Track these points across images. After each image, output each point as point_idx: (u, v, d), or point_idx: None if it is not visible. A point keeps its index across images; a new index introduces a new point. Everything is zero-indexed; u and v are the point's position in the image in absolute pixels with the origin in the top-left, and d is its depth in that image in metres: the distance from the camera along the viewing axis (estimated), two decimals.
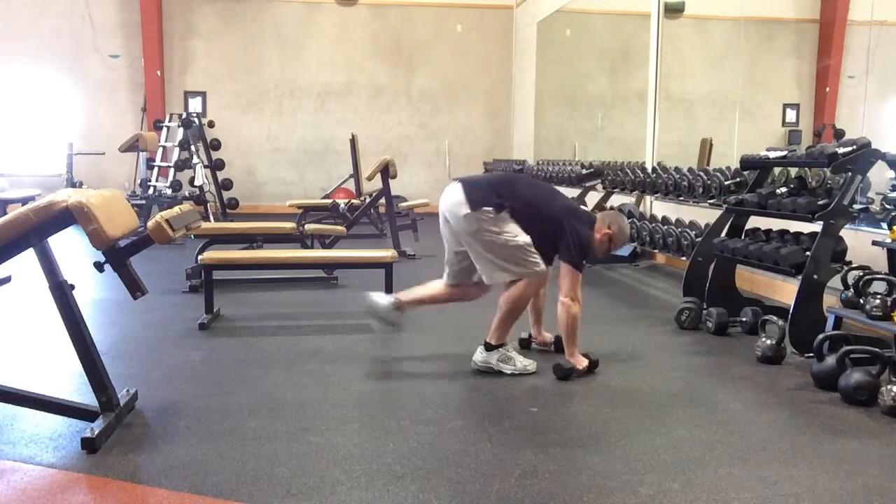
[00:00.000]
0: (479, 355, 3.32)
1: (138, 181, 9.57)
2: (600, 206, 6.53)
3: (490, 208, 3.20)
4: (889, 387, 2.85)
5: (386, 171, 7.05)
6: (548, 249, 3.34)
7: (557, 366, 3.26)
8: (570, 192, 7.39)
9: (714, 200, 4.76)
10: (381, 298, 3.49)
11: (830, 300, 3.61)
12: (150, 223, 2.54)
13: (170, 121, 9.51)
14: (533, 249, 3.24)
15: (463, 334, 3.80)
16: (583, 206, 3.54)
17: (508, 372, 3.27)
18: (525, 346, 3.72)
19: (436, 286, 3.57)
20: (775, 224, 4.07)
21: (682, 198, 5.24)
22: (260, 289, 5.27)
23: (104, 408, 2.56)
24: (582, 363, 3.28)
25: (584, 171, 6.85)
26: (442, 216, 3.37)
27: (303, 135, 11.35)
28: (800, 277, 3.54)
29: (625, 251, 6.66)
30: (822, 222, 3.52)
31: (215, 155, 9.70)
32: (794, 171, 4.05)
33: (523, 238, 3.23)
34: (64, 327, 2.55)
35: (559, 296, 3.25)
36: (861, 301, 3.25)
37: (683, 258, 4.88)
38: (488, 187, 3.30)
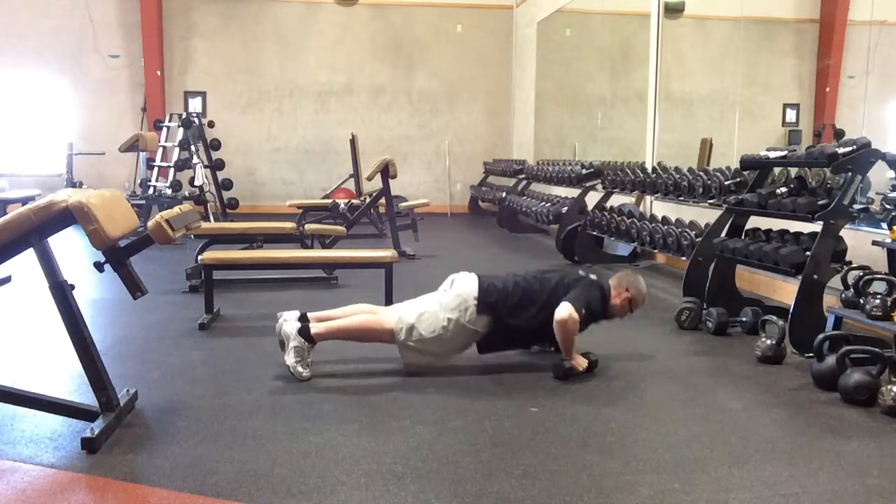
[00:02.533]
0: (296, 337, 3.20)
1: (138, 181, 9.58)
2: (600, 206, 6.53)
3: (485, 319, 3.26)
4: (889, 387, 2.85)
5: (386, 171, 7.05)
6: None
7: (557, 366, 3.26)
8: (570, 192, 7.42)
9: (714, 200, 4.76)
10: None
11: (830, 300, 3.61)
12: (150, 223, 2.54)
13: (170, 121, 9.50)
14: (431, 345, 3.25)
15: None
16: (591, 276, 3.54)
17: (288, 361, 3.19)
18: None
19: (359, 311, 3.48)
20: (775, 224, 4.07)
21: (682, 198, 5.24)
22: (260, 289, 5.27)
23: (104, 408, 2.56)
24: (581, 363, 3.28)
25: (584, 171, 6.85)
26: (451, 283, 3.41)
27: (303, 135, 11.35)
28: (800, 277, 3.54)
29: (625, 251, 6.66)
30: (822, 222, 3.52)
31: (215, 155, 9.69)
32: (794, 171, 4.05)
33: (443, 359, 3.30)
34: (64, 327, 2.55)
35: (557, 314, 3.23)
36: (861, 301, 3.25)
37: (683, 258, 4.88)
38: (499, 299, 3.29)
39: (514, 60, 11.50)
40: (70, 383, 3.10)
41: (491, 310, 3.28)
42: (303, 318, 3.32)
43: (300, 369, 3.19)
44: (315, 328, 3.26)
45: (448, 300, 3.30)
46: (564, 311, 3.21)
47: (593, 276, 3.52)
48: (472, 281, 3.35)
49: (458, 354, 3.37)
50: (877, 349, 3.06)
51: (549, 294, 3.33)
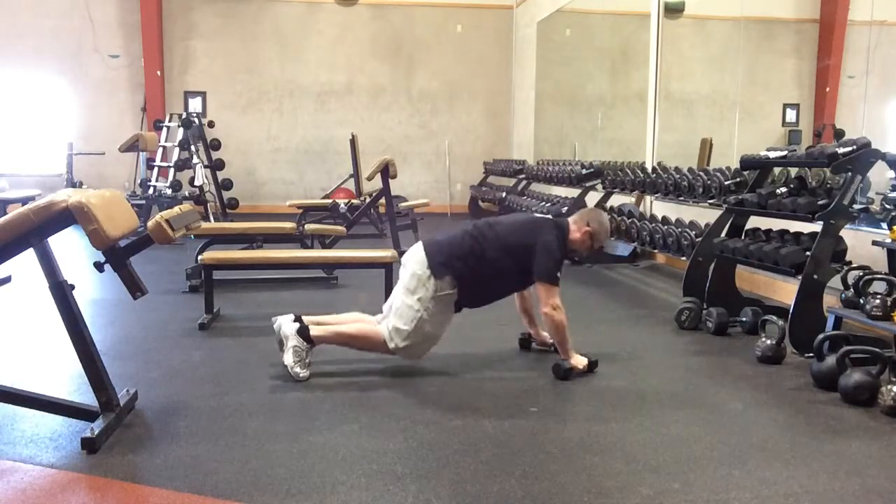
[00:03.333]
0: (294, 337, 3.20)
1: (138, 181, 9.58)
2: (600, 206, 6.53)
3: (448, 280, 3.18)
4: (889, 387, 2.85)
5: (386, 171, 7.05)
6: (525, 282, 3.35)
7: (557, 366, 3.26)
8: (570, 192, 7.42)
9: (714, 200, 4.76)
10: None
11: (830, 300, 3.61)
12: (150, 223, 2.54)
13: (170, 121, 9.50)
14: (430, 342, 3.23)
15: (463, 334, 3.80)
16: (557, 213, 3.46)
17: (286, 361, 3.18)
18: (525, 346, 3.72)
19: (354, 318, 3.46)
20: (775, 224, 4.07)
21: (682, 198, 5.24)
22: (260, 289, 5.27)
23: (104, 408, 2.56)
24: (581, 363, 3.28)
25: (584, 171, 6.85)
26: (403, 268, 3.34)
27: (303, 135, 11.35)
28: (800, 277, 3.54)
29: (625, 251, 6.66)
30: (822, 222, 3.52)
31: (215, 155, 9.69)
32: (794, 171, 4.05)
33: (436, 332, 3.23)
34: (64, 327, 2.55)
35: (540, 307, 3.25)
36: (861, 301, 3.25)
37: (683, 258, 4.88)
38: (450, 254, 3.23)
39: (514, 60, 11.50)
40: (70, 383, 3.10)
41: (446, 269, 3.18)
42: (298, 320, 3.31)
43: (298, 370, 3.19)
44: (314, 330, 3.25)
45: (406, 282, 3.24)
46: (545, 305, 3.20)
47: (548, 217, 3.47)
48: (417, 250, 3.27)
49: (450, 323, 3.30)
50: (877, 349, 3.06)
51: (507, 237, 3.27)
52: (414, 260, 3.26)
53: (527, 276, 3.31)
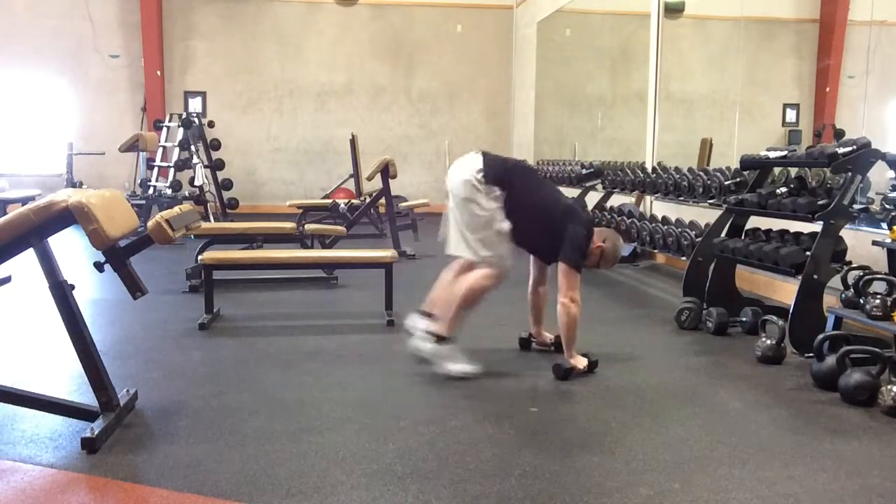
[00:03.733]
0: (429, 346, 3.25)
1: (138, 181, 9.58)
2: (600, 206, 6.53)
3: (497, 188, 3.21)
4: (889, 387, 2.85)
5: (386, 171, 7.05)
6: (546, 248, 3.35)
7: (557, 366, 3.26)
8: (570, 192, 7.42)
9: (714, 200, 4.76)
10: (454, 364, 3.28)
11: (830, 300, 3.61)
12: (150, 223, 2.54)
13: (170, 121, 9.50)
14: (507, 246, 3.26)
15: (463, 334, 3.80)
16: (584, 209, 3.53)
17: (448, 369, 3.21)
18: (525, 346, 3.72)
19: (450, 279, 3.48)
20: (775, 224, 4.07)
21: (682, 198, 5.24)
22: (260, 289, 5.27)
23: (104, 408, 2.56)
24: (581, 363, 3.28)
25: (584, 171, 6.85)
26: (451, 182, 3.33)
27: (303, 135, 11.35)
28: (800, 277, 3.54)
29: (625, 251, 6.66)
30: (822, 222, 3.52)
31: (215, 155, 9.69)
32: (794, 171, 4.05)
33: (506, 226, 3.24)
34: (64, 327, 2.55)
35: (558, 296, 3.26)
36: (861, 301, 3.25)
37: (683, 258, 4.88)
38: (503, 170, 3.29)
39: (514, 60, 11.50)
40: (70, 383, 3.10)
41: (494, 176, 3.21)
42: (425, 314, 3.38)
43: (460, 368, 3.21)
44: (439, 327, 3.26)
45: (462, 203, 3.24)
46: (564, 295, 3.21)
47: (581, 212, 3.51)
48: (474, 161, 3.29)
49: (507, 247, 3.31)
50: (877, 349, 3.06)
51: (547, 197, 3.34)
52: (468, 166, 3.28)
53: (547, 243, 3.32)
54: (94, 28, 10.66)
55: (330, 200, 7.92)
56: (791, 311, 3.54)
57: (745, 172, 4.49)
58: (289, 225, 5.44)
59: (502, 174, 3.26)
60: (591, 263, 3.42)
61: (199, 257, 4.42)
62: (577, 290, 3.25)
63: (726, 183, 4.62)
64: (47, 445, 2.46)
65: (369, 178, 7.28)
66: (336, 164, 11.07)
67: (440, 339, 3.25)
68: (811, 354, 3.25)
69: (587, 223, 3.37)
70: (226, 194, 9.71)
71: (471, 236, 3.25)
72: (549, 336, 3.65)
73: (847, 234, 3.69)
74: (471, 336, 3.75)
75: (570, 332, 3.26)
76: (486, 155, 3.33)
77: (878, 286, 3.30)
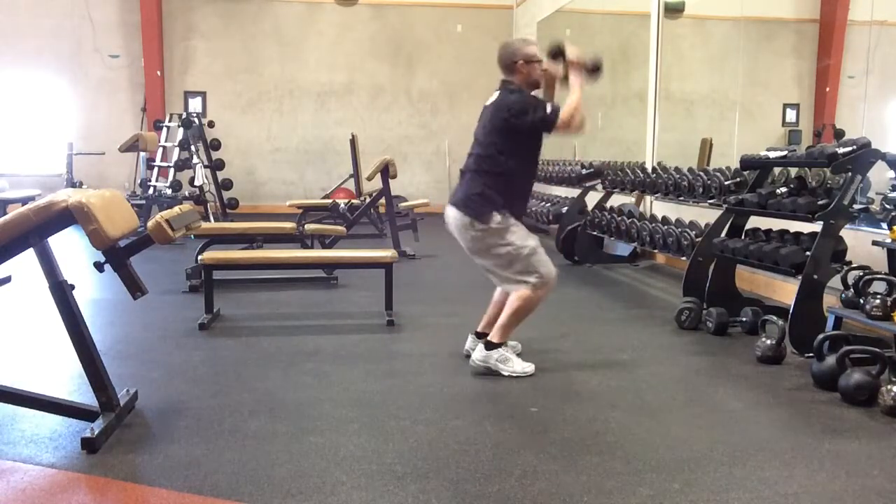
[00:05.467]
0: (479, 353, 3.30)
1: (138, 181, 9.57)
2: (600, 206, 6.53)
3: (494, 214, 3.20)
4: (889, 387, 2.85)
5: (386, 171, 7.05)
6: (529, 188, 3.42)
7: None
8: (570, 192, 7.42)
9: (714, 200, 4.76)
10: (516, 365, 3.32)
11: (830, 300, 3.61)
12: (150, 223, 2.54)
13: (170, 121, 9.51)
14: (540, 252, 3.26)
15: (463, 334, 3.80)
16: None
17: (506, 373, 3.26)
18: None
19: (498, 301, 3.49)
20: (775, 224, 4.07)
21: (682, 198, 5.24)
22: (260, 289, 5.27)
23: (104, 408, 2.56)
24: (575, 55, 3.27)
25: (584, 171, 6.85)
26: (453, 234, 3.40)
27: (303, 135, 11.34)
28: (800, 277, 3.54)
29: (625, 251, 6.66)
30: (822, 222, 3.52)
31: (215, 155, 9.69)
32: (794, 171, 4.05)
33: (531, 243, 3.25)
34: (64, 327, 2.55)
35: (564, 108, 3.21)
36: (861, 301, 3.25)
37: (683, 258, 4.88)
38: (470, 192, 3.27)
39: None
40: (70, 383, 3.10)
41: (483, 205, 3.22)
42: (479, 336, 3.41)
43: (517, 368, 3.26)
44: (491, 335, 3.30)
45: (473, 246, 3.29)
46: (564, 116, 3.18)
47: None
48: (452, 214, 3.32)
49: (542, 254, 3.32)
50: (877, 349, 3.06)
51: (487, 129, 3.30)
52: (456, 229, 3.33)
53: (527, 151, 3.30)
54: (94, 28, 10.65)
55: (330, 200, 7.92)
56: (791, 311, 3.54)
57: (745, 172, 4.49)
58: (289, 225, 5.44)
59: (480, 198, 3.24)
60: (537, 77, 3.34)
61: (199, 257, 4.42)
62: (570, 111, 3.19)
63: (726, 183, 4.62)
64: (47, 445, 2.47)
65: (369, 178, 7.28)
66: (336, 164, 11.07)
67: (493, 346, 3.28)
68: (811, 354, 3.25)
69: (508, 92, 3.29)
70: (226, 194, 9.71)
71: (507, 273, 3.27)
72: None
73: (847, 234, 3.69)
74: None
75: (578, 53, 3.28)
76: (455, 203, 3.31)
77: (878, 286, 3.30)
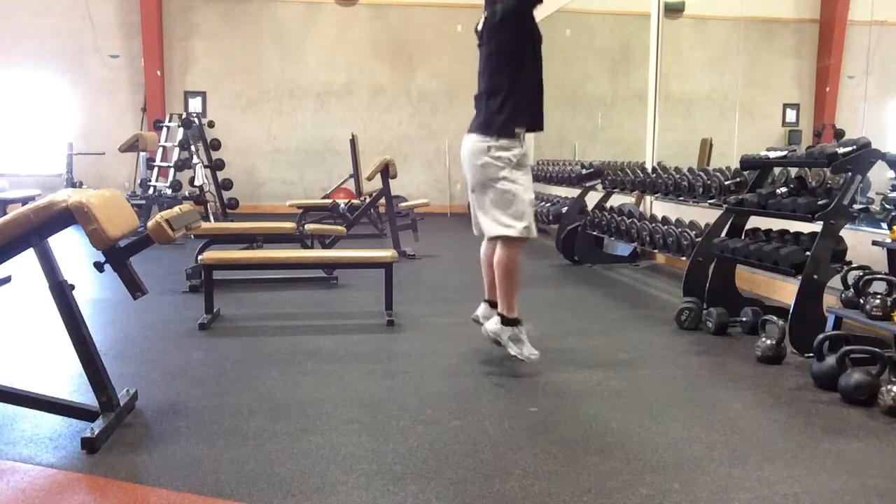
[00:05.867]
0: (494, 325, 3.32)
1: (138, 181, 9.57)
2: (600, 206, 6.53)
3: (507, 135, 3.24)
4: (889, 387, 2.85)
5: (386, 171, 7.05)
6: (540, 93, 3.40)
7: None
8: (570, 192, 7.43)
9: (714, 200, 4.76)
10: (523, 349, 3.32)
11: (830, 300, 3.61)
12: (150, 223, 2.54)
13: (170, 121, 9.51)
14: (532, 208, 3.30)
15: (463, 333, 3.80)
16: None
17: (512, 353, 3.28)
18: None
19: (486, 262, 3.50)
20: (775, 224, 4.07)
21: (682, 198, 5.24)
22: (260, 289, 5.27)
23: (104, 408, 2.56)
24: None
25: (584, 171, 6.85)
26: (464, 165, 3.41)
27: (303, 135, 11.35)
28: (800, 277, 3.54)
29: (625, 251, 6.67)
30: (822, 222, 3.52)
31: (215, 155, 9.69)
32: (794, 171, 4.05)
33: (530, 196, 3.29)
34: (64, 327, 2.55)
35: None
36: (861, 301, 3.25)
37: (683, 258, 4.88)
38: (487, 96, 3.34)
39: None
40: (70, 383, 3.10)
41: (503, 121, 3.26)
42: (491, 305, 3.43)
43: (525, 351, 3.27)
44: (501, 309, 3.30)
45: (479, 178, 3.30)
46: None
47: None
48: (469, 140, 3.37)
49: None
50: (877, 349, 3.06)
51: (490, 24, 3.35)
52: (470, 150, 3.34)
53: (530, 54, 3.33)
54: (94, 28, 10.66)
55: (330, 200, 7.92)
56: (791, 311, 3.54)
57: (745, 172, 4.49)
58: (289, 225, 5.44)
59: (492, 106, 3.30)
60: None
61: (199, 257, 4.42)
62: None
63: (726, 183, 4.62)
64: (47, 445, 2.46)
65: (369, 178, 7.28)
66: (336, 164, 11.07)
67: (508, 321, 3.30)
68: (811, 354, 3.25)
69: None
70: (226, 194, 9.71)
71: (498, 213, 3.27)
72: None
73: (847, 234, 3.69)
74: (471, 336, 3.76)
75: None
76: (472, 126, 3.38)
77: (878, 286, 3.30)
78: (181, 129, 8.98)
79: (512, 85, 3.28)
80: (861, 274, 3.37)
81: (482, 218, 3.38)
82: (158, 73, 10.67)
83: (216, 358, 3.55)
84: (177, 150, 8.93)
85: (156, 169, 8.93)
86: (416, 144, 11.56)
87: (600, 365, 3.40)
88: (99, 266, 2.53)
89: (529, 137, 3.52)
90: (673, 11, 7.11)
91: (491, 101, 3.33)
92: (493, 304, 3.46)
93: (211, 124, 9.93)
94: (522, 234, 3.25)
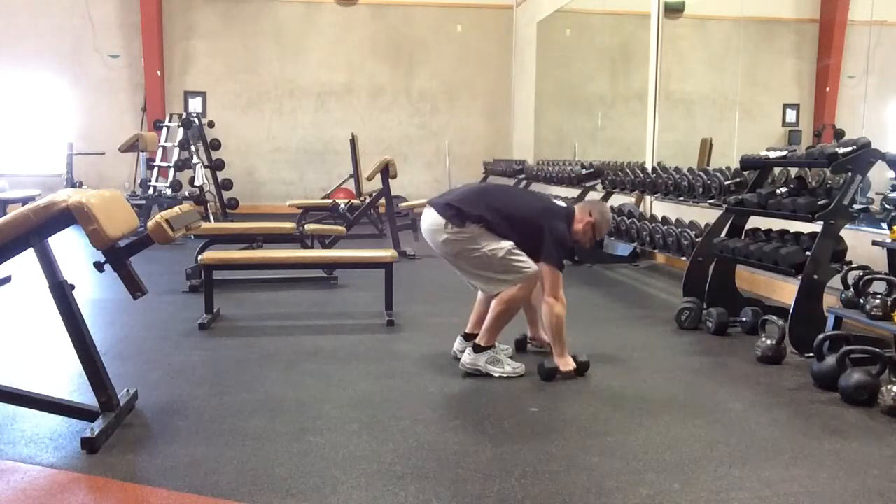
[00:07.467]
0: (468, 357, 3.28)
1: (138, 181, 9.58)
2: None
3: (468, 224, 3.21)
4: (889, 387, 2.85)
5: (386, 171, 7.05)
6: (530, 252, 3.32)
7: (541, 366, 3.25)
8: (570, 192, 7.42)
9: (714, 200, 4.76)
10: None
11: (830, 300, 3.61)
12: (150, 223, 2.54)
13: (170, 121, 9.51)
14: (518, 252, 3.23)
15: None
16: (559, 201, 3.55)
17: (496, 375, 3.24)
18: (521, 347, 3.70)
19: (485, 299, 3.49)
20: (775, 224, 4.07)
21: (682, 198, 5.24)
22: (260, 289, 5.27)
23: (104, 408, 2.56)
24: (568, 365, 3.25)
25: (584, 171, 6.85)
26: (432, 244, 3.39)
27: (303, 135, 11.35)
28: (800, 277, 3.54)
29: (625, 251, 6.66)
30: (822, 222, 3.52)
31: (215, 155, 9.69)
32: (794, 171, 4.05)
33: (505, 244, 3.22)
34: (64, 327, 2.55)
35: (543, 296, 3.26)
36: (861, 301, 3.25)
37: (683, 258, 4.88)
38: (461, 203, 3.27)
39: (514, 61, 11.49)
40: (70, 383, 3.10)
41: (463, 217, 3.21)
42: (468, 337, 3.43)
43: (507, 369, 3.26)
44: (479, 339, 3.30)
45: (444, 251, 3.32)
46: (547, 294, 3.22)
47: (557, 202, 3.51)
48: (430, 215, 3.32)
49: (522, 253, 3.30)
50: (877, 349, 3.06)
51: (517, 210, 3.32)
52: (430, 223, 3.31)
53: (539, 247, 3.29)
54: (94, 28, 10.65)
55: (330, 200, 7.92)
56: (791, 311, 3.54)
57: (745, 172, 4.49)
58: (289, 225, 5.44)
59: (470, 210, 3.23)
60: (586, 240, 3.42)
61: (199, 257, 4.42)
62: (559, 288, 3.24)
63: (726, 183, 4.62)
64: (47, 445, 2.46)
65: (369, 178, 7.28)
66: (336, 164, 11.07)
67: (481, 348, 3.28)
68: (811, 354, 3.25)
69: (564, 216, 3.36)
70: (226, 194, 9.71)
71: (487, 274, 3.26)
72: (546, 336, 3.64)
73: (847, 234, 3.69)
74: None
75: (556, 331, 3.25)
76: (435, 204, 3.33)
77: (878, 286, 3.30)
78: (181, 129, 8.97)
79: (490, 222, 3.26)
80: (861, 274, 3.37)
81: (476, 283, 3.36)
82: (158, 73, 10.67)
83: (216, 358, 3.55)
84: (177, 150, 8.93)
85: (156, 169, 8.93)
86: (415, 144, 11.56)
87: (600, 365, 3.40)
88: (99, 266, 2.53)
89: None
90: (673, 11, 7.10)
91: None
92: (468, 338, 3.44)
93: (211, 124, 9.92)
94: (518, 281, 3.21)
